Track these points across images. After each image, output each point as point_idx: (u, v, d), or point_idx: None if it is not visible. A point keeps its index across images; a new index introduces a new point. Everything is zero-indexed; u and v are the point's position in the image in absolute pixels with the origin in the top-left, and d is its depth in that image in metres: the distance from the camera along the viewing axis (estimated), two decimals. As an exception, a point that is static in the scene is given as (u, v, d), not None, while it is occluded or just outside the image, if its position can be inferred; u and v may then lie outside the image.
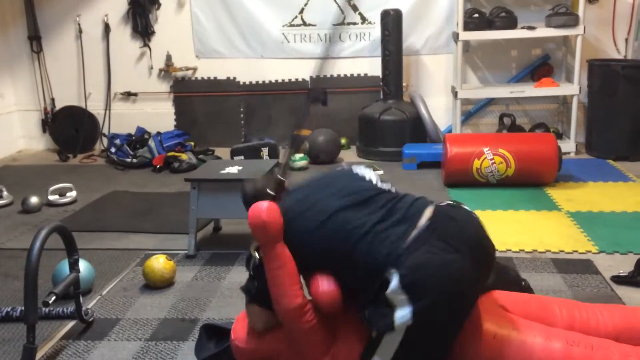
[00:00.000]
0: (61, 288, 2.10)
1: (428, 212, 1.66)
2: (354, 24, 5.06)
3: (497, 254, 2.83)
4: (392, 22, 4.67)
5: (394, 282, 1.54)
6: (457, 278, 1.56)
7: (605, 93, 4.48)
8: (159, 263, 2.61)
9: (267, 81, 5.21)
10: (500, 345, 1.68)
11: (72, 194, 3.92)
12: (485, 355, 1.68)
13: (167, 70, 5.20)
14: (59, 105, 5.37)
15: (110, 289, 2.63)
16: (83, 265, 2.43)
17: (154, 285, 2.61)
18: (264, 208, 1.68)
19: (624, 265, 2.66)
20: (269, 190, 1.80)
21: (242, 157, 4.47)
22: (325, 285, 1.68)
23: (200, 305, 2.45)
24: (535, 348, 1.67)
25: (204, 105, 5.30)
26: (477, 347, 1.68)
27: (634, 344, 1.73)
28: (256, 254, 1.74)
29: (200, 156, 4.74)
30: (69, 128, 5.28)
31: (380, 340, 1.59)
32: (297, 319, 1.70)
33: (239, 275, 2.73)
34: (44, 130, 5.45)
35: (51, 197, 3.84)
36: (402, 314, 1.53)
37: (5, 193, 3.91)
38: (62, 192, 3.91)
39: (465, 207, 1.76)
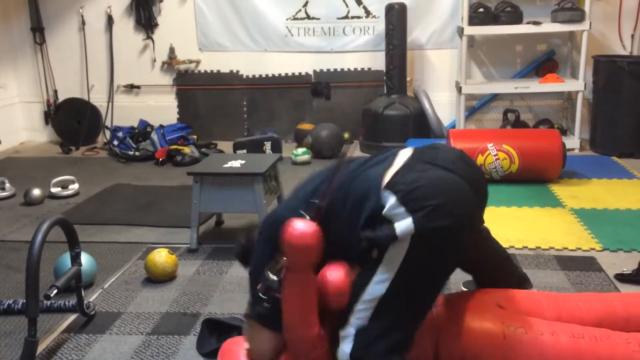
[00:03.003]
0: (63, 281, 2.09)
1: (409, 149, 1.74)
2: (358, 17, 5.04)
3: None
4: (396, 16, 4.64)
5: (391, 200, 1.55)
6: (453, 186, 1.60)
7: (611, 89, 4.46)
8: (161, 257, 2.60)
9: (270, 75, 5.19)
10: (511, 344, 1.67)
11: (75, 186, 3.92)
12: (498, 357, 1.67)
13: (170, 63, 5.19)
14: (61, 97, 5.36)
15: (112, 283, 2.63)
16: (85, 258, 2.42)
17: (156, 279, 2.60)
18: (310, 230, 1.55)
19: (627, 263, 2.65)
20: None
21: (244, 151, 4.47)
22: (334, 273, 1.62)
23: (202, 299, 2.45)
24: (545, 344, 1.67)
25: (207, 98, 5.29)
26: (489, 349, 1.67)
27: (616, 328, 1.77)
28: (273, 277, 1.60)
29: (203, 150, 4.73)
30: (72, 120, 5.27)
31: (382, 255, 1.56)
32: (312, 349, 1.63)
33: (241, 269, 2.70)
34: (47, 122, 5.45)
35: (53, 190, 3.84)
36: (404, 224, 1.53)
37: (7, 185, 3.90)
38: (64, 185, 3.90)
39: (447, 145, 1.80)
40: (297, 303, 1.60)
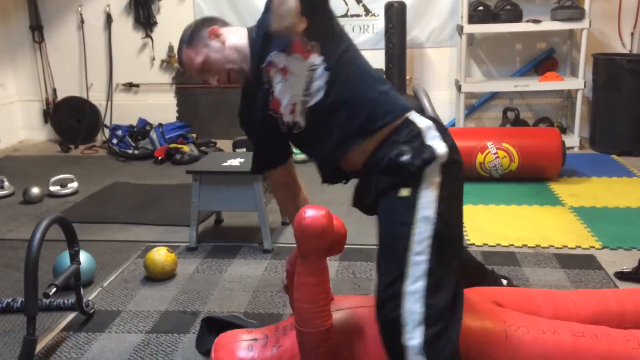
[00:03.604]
0: (62, 279, 2.09)
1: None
2: (358, 16, 5.03)
3: (500, 249, 2.84)
4: (396, 14, 4.63)
5: (426, 122, 1.61)
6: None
7: (610, 88, 4.45)
8: (160, 255, 2.60)
9: (269, 73, 5.18)
10: (514, 344, 1.67)
11: (74, 185, 3.91)
12: (500, 357, 1.66)
13: (169, 61, 5.18)
14: (60, 95, 5.35)
15: (111, 281, 2.62)
16: (84, 256, 2.42)
17: (155, 277, 2.60)
18: (324, 213, 1.50)
19: (627, 261, 2.65)
20: None
21: (244, 150, 4.46)
22: (311, 212, 1.50)
23: (202, 297, 2.44)
24: (547, 343, 1.67)
25: (206, 97, 5.28)
26: (493, 350, 1.67)
27: (611, 324, 1.77)
28: None
29: (202, 148, 4.73)
30: (71, 119, 5.26)
31: (420, 176, 1.52)
32: (323, 342, 1.58)
33: (241, 268, 2.72)
34: (46, 121, 5.44)
35: (52, 188, 3.83)
36: (439, 145, 1.56)
37: (6, 184, 3.90)
38: (63, 183, 3.90)
39: None
40: (312, 292, 1.55)
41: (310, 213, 1.49)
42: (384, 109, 1.62)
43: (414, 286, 1.46)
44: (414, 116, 1.64)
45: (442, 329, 1.45)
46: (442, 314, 1.46)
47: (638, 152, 4.40)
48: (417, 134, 1.59)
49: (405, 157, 1.55)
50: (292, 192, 1.92)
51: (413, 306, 1.45)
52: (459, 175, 1.63)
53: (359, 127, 1.61)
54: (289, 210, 1.94)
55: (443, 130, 1.63)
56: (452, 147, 1.60)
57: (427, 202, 1.52)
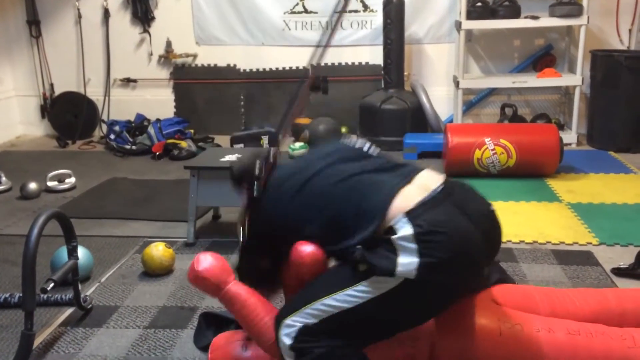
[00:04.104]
0: (59, 275, 2.08)
1: (439, 178, 1.61)
2: (356, 11, 5.02)
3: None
4: (394, 10, 4.63)
5: (407, 230, 1.43)
6: (472, 247, 1.49)
7: (608, 84, 4.46)
8: (158, 251, 2.60)
9: (267, 69, 5.18)
10: (508, 341, 1.66)
11: (71, 180, 3.91)
12: (494, 354, 1.66)
13: (167, 56, 5.17)
14: (58, 90, 5.34)
15: (109, 276, 2.62)
16: (82, 252, 2.42)
17: (153, 272, 2.60)
18: (190, 269, 1.69)
19: (624, 257, 2.65)
20: (257, 169, 1.71)
21: (242, 145, 4.46)
22: (307, 247, 1.60)
23: (199, 293, 2.44)
24: (542, 341, 1.67)
25: (204, 92, 5.27)
26: (486, 346, 1.67)
27: (610, 323, 1.76)
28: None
29: (200, 144, 4.72)
30: (68, 114, 5.25)
31: (369, 276, 1.46)
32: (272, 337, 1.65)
33: (238, 263, 2.72)
34: (43, 116, 5.43)
35: (50, 184, 3.83)
36: (408, 261, 1.41)
37: (3, 179, 3.89)
38: (61, 179, 3.89)
39: (477, 191, 1.67)
40: (243, 317, 1.68)
41: (189, 270, 1.70)
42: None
43: (297, 318, 1.54)
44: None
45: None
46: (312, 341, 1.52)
47: (635, 149, 4.41)
48: (382, 243, 1.47)
49: (357, 254, 1.48)
50: None
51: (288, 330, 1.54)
52: (428, 293, 1.48)
53: None
54: None
55: (433, 245, 1.43)
56: (437, 267, 1.42)
57: (356, 294, 1.48)
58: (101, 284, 2.56)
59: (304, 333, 1.52)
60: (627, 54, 4.48)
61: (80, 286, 2.25)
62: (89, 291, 2.47)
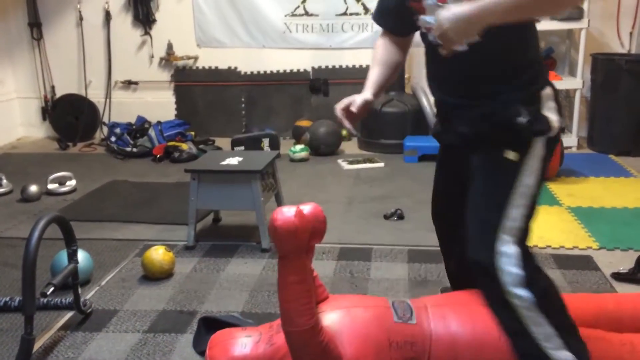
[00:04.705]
0: (59, 279, 2.09)
1: None
2: (357, 14, 5.03)
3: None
4: (395, 13, 4.62)
5: (549, 91, 1.63)
6: None
7: (608, 87, 4.46)
8: (158, 254, 2.60)
9: (268, 71, 5.18)
10: (506, 348, 1.66)
11: (72, 183, 3.91)
12: (494, 359, 1.67)
13: (168, 59, 5.18)
14: (59, 93, 5.35)
15: (108, 280, 2.62)
16: (82, 255, 2.42)
17: (153, 276, 2.60)
18: (295, 212, 1.54)
19: (624, 262, 2.65)
20: None
21: (242, 148, 4.46)
22: (282, 214, 1.53)
23: (199, 297, 2.45)
24: None
25: (205, 94, 5.28)
26: (483, 352, 1.67)
27: (609, 328, 1.77)
28: None
29: (201, 146, 4.73)
30: (69, 116, 5.25)
31: (528, 146, 1.57)
32: (311, 340, 1.59)
33: (238, 267, 2.72)
34: (44, 118, 5.44)
35: (50, 186, 3.83)
36: (554, 119, 1.61)
37: (4, 181, 3.89)
38: (61, 181, 3.89)
39: None
40: (293, 291, 1.58)
41: (281, 215, 1.53)
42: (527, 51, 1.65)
43: (508, 237, 1.55)
44: (543, 72, 1.66)
45: (536, 268, 1.60)
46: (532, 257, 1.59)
47: (636, 152, 4.41)
48: (537, 100, 1.61)
49: (522, 120, 1.57)
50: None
51: (508, 249, 1.54)
52: (552, 151, 1.66)
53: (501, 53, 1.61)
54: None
55: (558, 102, 1.65)
56: (561, 123, 1.64)
57: (531, 172, 1.58)
58: (101, 287, 2.56)
59: (523, 258, 1.54)
60: (627, 58, 4.49)
61: (80, 290, 2.25)
62: (88, 295, 2.47)
